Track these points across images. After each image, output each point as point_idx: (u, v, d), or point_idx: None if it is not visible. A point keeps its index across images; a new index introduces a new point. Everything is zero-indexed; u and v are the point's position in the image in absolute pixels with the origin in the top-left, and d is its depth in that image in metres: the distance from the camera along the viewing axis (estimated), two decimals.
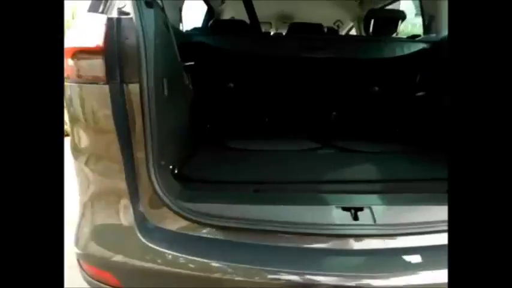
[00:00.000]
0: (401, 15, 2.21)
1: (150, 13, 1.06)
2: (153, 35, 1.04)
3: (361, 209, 1.04)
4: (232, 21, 2.63)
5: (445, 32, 2.01)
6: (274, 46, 2.07)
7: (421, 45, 2.03)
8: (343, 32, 3.49)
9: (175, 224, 1.04)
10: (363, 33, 2.47)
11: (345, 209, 1.04)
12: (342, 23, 3.47)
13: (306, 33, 2.19)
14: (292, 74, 2.18)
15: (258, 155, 1.72)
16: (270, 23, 3.70)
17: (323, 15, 3.43)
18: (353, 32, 3.43)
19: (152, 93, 0.98)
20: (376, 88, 2.18)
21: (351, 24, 3.38)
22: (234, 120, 2.39)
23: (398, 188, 1.34)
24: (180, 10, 2.04)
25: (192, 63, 1.69)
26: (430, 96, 2.01)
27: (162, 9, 1.36)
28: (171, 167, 1.28)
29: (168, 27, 1.36)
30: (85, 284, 1.15)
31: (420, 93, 2.09)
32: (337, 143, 1.97)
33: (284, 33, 2.32)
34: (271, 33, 2.56)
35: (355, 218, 1.02)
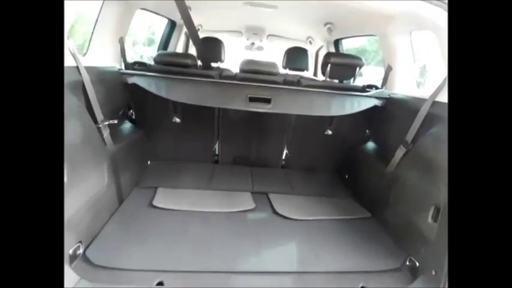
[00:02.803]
0: (359, 63, 2.13)
1: None
2: None
3: None
4: (177, 56, 2.47)
5: (395, 87, 2.04)
6: (218, 96, 1.88)
7: (371, 102, 1.98)
8: (314, 50, 3.36)
9: None
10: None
11: None
12: (313, 39, 3.34)
13: (257, 74, 2.04)
14: (241, 116, 2.18)
15: (177, 220, 1.60)
16: (241, 32, 3.56)
17: (294, 31, 3.26)
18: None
19: None
20: (330, 132, 2.30)
21: (322, 44, 3.28)
22: (178, 157, 2.31)
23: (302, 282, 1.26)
24: (122, 42, 1.89)
25: (115, 121, 1.62)
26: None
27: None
28: (71, 251, 1.21)
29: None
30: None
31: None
32: (275, 200, 1.92)
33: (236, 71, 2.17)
34: (219, 65, 2.39)
35: None
